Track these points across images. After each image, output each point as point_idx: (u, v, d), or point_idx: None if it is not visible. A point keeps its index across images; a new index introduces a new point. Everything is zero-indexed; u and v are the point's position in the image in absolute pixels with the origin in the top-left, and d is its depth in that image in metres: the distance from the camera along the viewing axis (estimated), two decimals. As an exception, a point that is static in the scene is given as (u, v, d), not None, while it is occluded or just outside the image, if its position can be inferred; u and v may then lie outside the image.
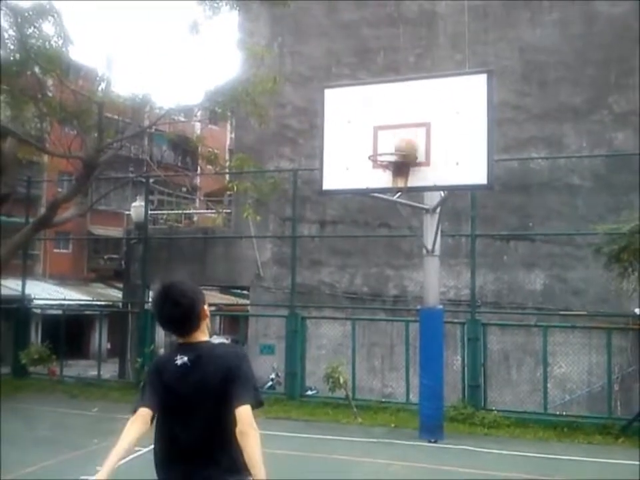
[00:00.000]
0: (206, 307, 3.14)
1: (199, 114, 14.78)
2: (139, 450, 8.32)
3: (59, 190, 20.34)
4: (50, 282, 27.02)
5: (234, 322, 23.23)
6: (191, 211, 25.14)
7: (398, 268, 15.14)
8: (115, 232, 26.66)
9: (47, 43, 10.89)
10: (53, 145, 13.87)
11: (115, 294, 25.13)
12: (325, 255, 15.68)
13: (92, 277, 30.34)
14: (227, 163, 17.00)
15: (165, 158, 28.30)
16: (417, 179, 8.34)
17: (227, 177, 17.19)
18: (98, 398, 12.53)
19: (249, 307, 17.45)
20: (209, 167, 15.49)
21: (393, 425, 10.50)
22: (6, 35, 10.98)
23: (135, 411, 3.03)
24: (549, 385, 11.20)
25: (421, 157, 8.26)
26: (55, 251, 28.41)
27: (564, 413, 11.29)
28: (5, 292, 16.45)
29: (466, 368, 11.33)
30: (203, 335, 3.11)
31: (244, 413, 2.89)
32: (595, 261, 11.28)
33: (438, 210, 9.50)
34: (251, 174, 13.94)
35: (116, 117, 16.30)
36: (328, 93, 9.14)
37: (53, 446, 8.71)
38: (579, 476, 7.77)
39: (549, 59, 14.48)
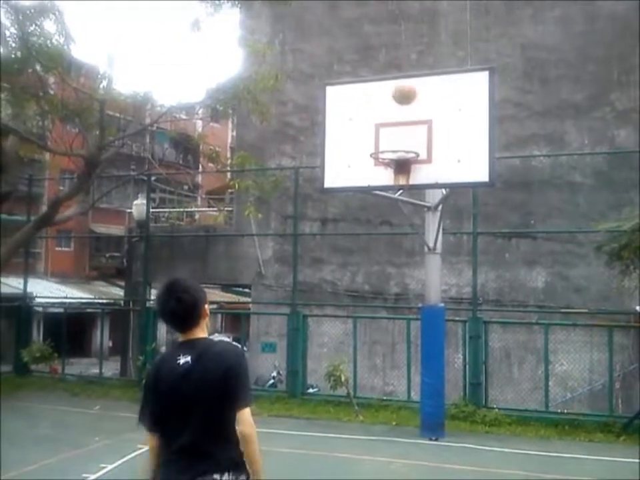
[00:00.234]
0: (207, 306, 3.22)
1: (200, 112, 14.78)
2: (141, 448, 8.38)
3: (61, 188, 20.37)
4: (52, 280, 27.06)
5: (235, 320, 23.24)
6: (192, 209, 25.15)
7: (399, 266, 15.14)
8: (117, 230, 26.70)
9: (48, 41, 10.88)
10: (54, 143, 13.87)
11: (116, 292, 25.15)
12: (327, 252, 15.68)
13: (94, 275, 30.37)
14: (229, 161, 17.00)
15: (166, 156, 28.31)
16: (419, 176, 8.34)
17: (229, 174, 17.18)
18: (99, 396, 12.53)
19: (250, 305, 17.45)
20: (211, 164, 15.49)
21: (394, 423, 10.50)
22: (7, 33, 10.97)
23: (140, 423, 3.22)
24: (550, 383, 11.19)
25: (422, 155, 8.25)
26: (57, 249, 28.46)
27: (565, 411, 11.28)
28: (6, 290, 16.47)
29: (467, 366, 11.33)
30: (202, 333, 3.19)
31: (246, 415, 3.01)
32: (596, 259, 11.27)
33: (439, 207, 9.49)
34: (253, 172, 13.94)
35: (117, 114, 16.28)
36: (329, 90, 9.13)
37: (54, 444, 8.71)
38: (580, 474, 7.76)
39: (550, 56, 14.47)
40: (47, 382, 13.64)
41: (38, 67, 11.47)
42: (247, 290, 19.42)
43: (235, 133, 25.38)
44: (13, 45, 11.11)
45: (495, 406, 11.04)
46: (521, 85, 14.61)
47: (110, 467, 7.65)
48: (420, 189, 9.28)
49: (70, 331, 14.96)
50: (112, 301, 22.46)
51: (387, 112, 8.57)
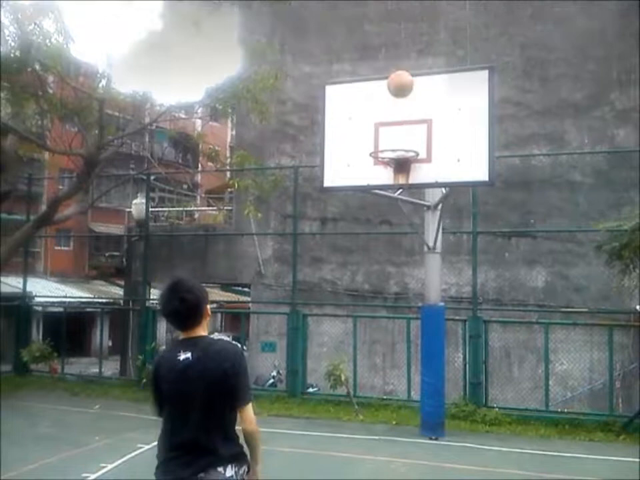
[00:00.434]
0: (208, 306, 3.31)
1: (199, 111, 14.75)
2: (141, 447, 8.37)
3: (60, 187, 20.33)
4: (51, 279, 27.06)
5: (235, 319, 23.24)
6: (191, 208, 25.13)
7: (399, 265, 15.13)
8: (116, 229, 26.67)
9: (47, 40, 10.85)
10: (53, 142, 13.85)
11: (116, 291, 25.15)
12: (326, 252, 15.66)
13: (93, 275, 30.36)
14: (228, 160, 16.97)
15: (165, 155, 28.26)
16: (418, 175, 8.33)
17: (228, 174, 17.17)
18: (99, 395, 12.52)
19: (250, 305, 17.44)
20: (210, 164, 15.47)
21: (394, 423, 10.50)
22: (6, 32, 10.95)
23: (158, 416, 3.29)
24: (550, 382, 11.19)
25: (422, 154, 8.24)
26: (56, 248, 28.46)
27: (565, 410, 11.28)
28: (5, 289, 16.46)
29: (467, 365, 11.33)
30: (203, 331, 3.28)
31: (249, 413, 3.17)
32: (596, 258, 11.26)
33: (439, 207, 9.48)
34: (252, 171, 13.93)
35: (117, 113, 16.27)
36: (329, 89, 9.12)
37: (54, 444, 8.70)
38: (580, 473, 7.76)
39: (550, 55, 14.46)
40: (46, 381, 13.64)
41: (37, 66, 11.45)
42: (246, 289, 19.41)
43: (234, 132, 25.39)
44: (12, 44, 11.09)
45: (495, 405, 11.05)
46: (521, 84, 14.59)
47: (110, 466, 7.64)
48: (420, 188, 9.28)
49: (69, 330, 14.96)
50: (111, 301, 22.46)
51: (387, 111, 8.56)
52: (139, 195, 18.40)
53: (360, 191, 10.35)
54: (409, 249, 14.62)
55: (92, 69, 13.69)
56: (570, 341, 12.36)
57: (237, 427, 3.26)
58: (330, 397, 11.79)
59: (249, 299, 18.29)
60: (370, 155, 8.46)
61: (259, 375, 14.34)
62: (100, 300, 21.80)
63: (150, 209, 16.41)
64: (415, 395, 10.89)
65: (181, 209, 23.96)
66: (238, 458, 3.16)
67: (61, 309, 16.55)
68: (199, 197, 29.47)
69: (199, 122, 20.43)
